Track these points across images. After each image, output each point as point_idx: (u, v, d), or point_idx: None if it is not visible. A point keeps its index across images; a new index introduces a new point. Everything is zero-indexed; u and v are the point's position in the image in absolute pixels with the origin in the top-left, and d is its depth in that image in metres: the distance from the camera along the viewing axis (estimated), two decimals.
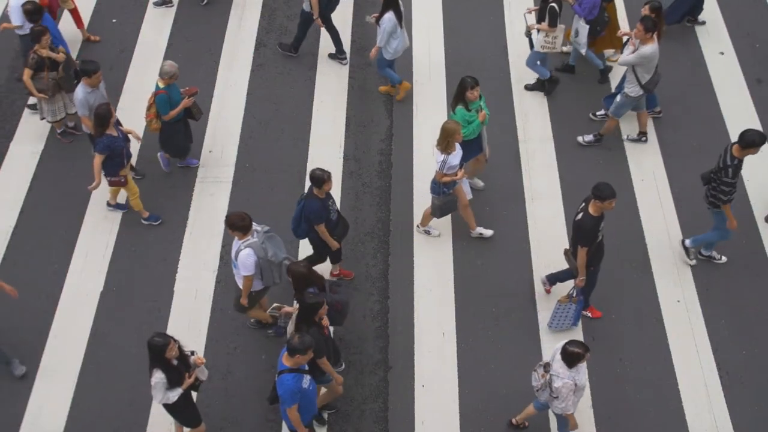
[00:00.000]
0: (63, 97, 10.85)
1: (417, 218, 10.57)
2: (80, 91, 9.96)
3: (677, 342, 9.42)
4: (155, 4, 13.36)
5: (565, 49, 12.26)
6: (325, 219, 8.95)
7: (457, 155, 9.39)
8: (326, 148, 11.41)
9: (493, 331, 9.54)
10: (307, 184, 10.92)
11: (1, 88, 12.12)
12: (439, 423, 8.82)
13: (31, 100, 11.81)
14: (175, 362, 7.62)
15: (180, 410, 7.97)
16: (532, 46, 11.76)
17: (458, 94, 9.76)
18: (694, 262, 10.05)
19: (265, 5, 13.44)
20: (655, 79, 10.61)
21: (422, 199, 10.76)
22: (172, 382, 7.62)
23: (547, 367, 7.76)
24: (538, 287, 9.90)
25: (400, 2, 11.21)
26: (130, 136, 9.94)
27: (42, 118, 11.00)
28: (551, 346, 9.35)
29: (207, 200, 10.78)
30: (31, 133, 11.59)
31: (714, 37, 12.81)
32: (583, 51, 11.77)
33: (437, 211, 9.82)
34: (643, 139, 11.34)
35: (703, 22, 12.98)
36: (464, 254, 10.23)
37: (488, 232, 10.30)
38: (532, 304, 9.76)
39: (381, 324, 9.59)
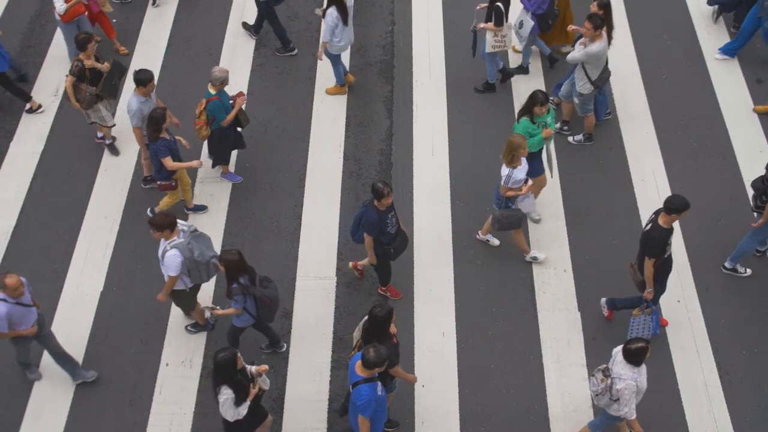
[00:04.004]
0: (107, 105, 10.78)
1: (417, 218, 10.58)
2: (134, 101, 9.89)
3: (677, 342, 9.42)
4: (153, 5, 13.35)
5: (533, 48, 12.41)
6: (381, 232, 8.90)
7: (522, 169, 9.26)
8: (326, 148, 11.41)
9: (493, 331, 9.54)
10: (307, 184, 10.99)
11: (1, 88, 12.11)
12: (439, 423, 8.81)
13: (29, 105, 11.80)
14: (238, 376, 7.48)
15: (246, 425, 7.79)
16: (474, 45, 11.74)
17: (526, 107, 9.62)
18: (749, 272, 9.95)
19: None
20: (605, 75, 10.66)
21: (422, 199, 10.77)
22: (240, 397, 7.45)
23: (606, 371, 7.73)
24: (538, 287, 9.91)
25: None
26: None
27: (91, 122, 10.96)
28: (552, 347, 9.36)
29: (207, 200, 10.78)
30: (31, 133, 11.59)
31: (714, 37, 12.81)
32: (523, 44, 11.92)
33: (496, 223, 9.59)
34: (565, 128, 11.46)
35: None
36: (464, 254, 10.23)
37: (541, 256, 10.09)
38: (532, 305, 9.76)
39: None
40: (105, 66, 10.48)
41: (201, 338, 9.46)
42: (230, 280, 8.22)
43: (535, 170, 9.88)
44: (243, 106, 10.49)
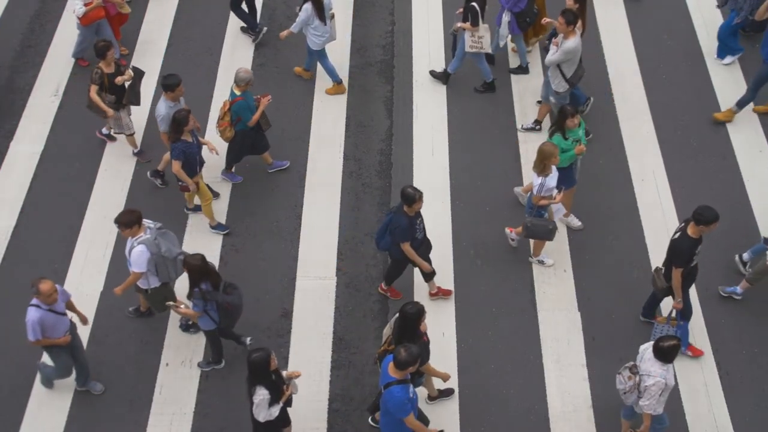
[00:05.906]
0: (128, 113, 10.75)
1: None
2: (163, 106, 9.84)
3: None
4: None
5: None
6: (411, 238, 8.85)
7: (553, 177, 9.25)
8: (326, 148, 11.42)
9: (493, 331, 9.54)
10: (307, 184, 10.99)
11: (1, 88, 12.12)
12: (439, 423, 8.81)
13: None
14: (273, 376, 7.47)
15: (273, 427, 7.77)
16: (454, 47, 11.77)
17: (558, 122, 9.59)
18: (750, 272, 9.86)
19: (266, 5, 13.46)
20: (579, 73, 10.66)
21: None
22: (274, 398, 7.45)
23: (633, 368, 7.74)
24: (538, 287, 9.91)
25: None
26: (206, 147, 9.97)
27: (110, 128, 10.99)
28: (552, 347, 9.36)
29: None
30: (31, 133, 11.59)
31: (713, 37, 12.80)
32: (501, 43, 12.00)
33: (525, 230, 9.54)
34: (537, 127, 11.47)
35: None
36: (464, 254, 10.23)
37: (549, 261, 10.08)
38: (532, 305, 9.76)
39: (381, 324, 9.58)
40: (128, 75, 10.44)
41: (201, 338, 9.45)
42: (192, 283, 8.25)
43: (569, 182, 9.86)
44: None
